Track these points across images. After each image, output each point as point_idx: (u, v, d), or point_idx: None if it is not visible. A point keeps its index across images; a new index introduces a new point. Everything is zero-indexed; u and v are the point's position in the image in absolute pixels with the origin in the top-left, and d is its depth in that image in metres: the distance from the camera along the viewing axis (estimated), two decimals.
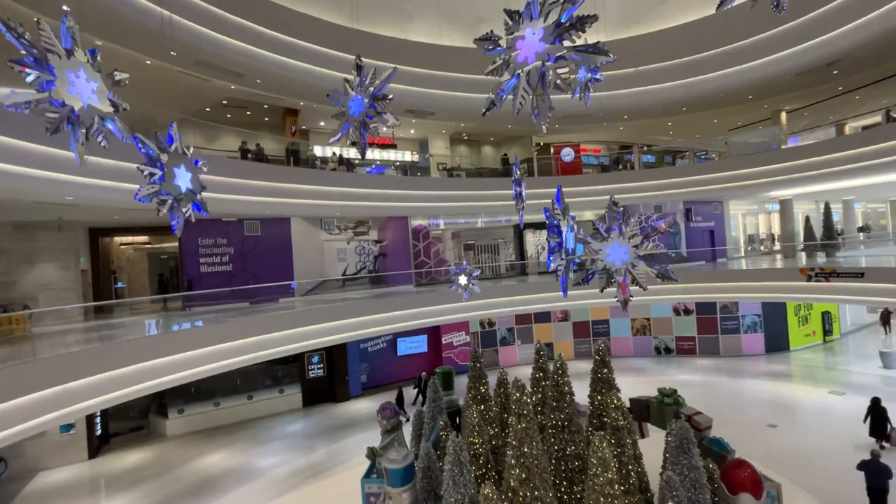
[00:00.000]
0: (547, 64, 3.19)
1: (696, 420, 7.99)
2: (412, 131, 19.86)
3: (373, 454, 8.91)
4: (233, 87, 13.91)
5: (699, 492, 6.42)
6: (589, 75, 4.05)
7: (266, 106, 16.36)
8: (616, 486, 6.19)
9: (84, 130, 2.81)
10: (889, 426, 10.83)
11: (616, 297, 5.45)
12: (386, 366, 18.95)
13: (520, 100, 3.34)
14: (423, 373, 15.68)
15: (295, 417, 16.05)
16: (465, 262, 11.15)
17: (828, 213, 19.29)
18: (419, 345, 19.60)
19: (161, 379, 8.93)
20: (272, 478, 11.56)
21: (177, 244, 18.65)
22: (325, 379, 17.37)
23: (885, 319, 21.03)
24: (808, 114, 20.94)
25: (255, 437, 14.31)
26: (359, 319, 13.55)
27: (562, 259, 5.98)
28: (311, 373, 17.17)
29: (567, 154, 21.95)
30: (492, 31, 3.07)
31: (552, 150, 22.04)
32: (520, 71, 3.27)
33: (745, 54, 15.28)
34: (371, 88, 4.15)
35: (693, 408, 8.59)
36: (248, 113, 16.87)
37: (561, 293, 5.96)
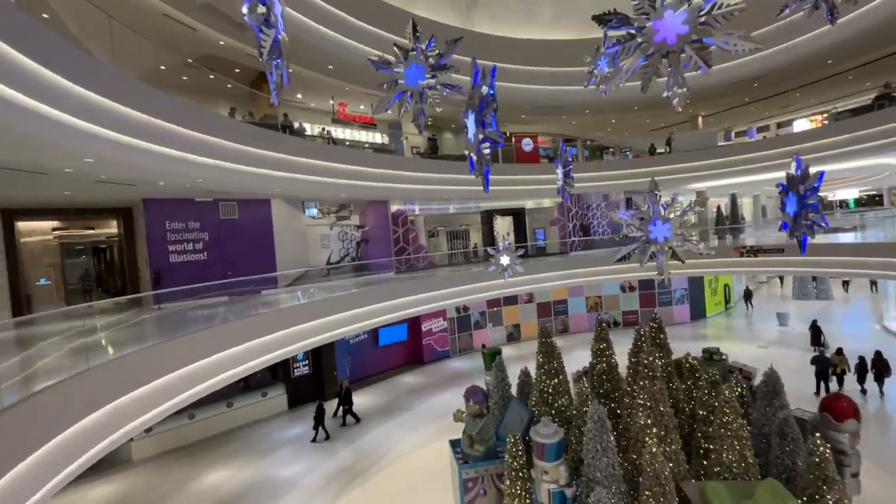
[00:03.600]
0: (687, 46, 3.32)
1: (746, 371, 9.33)
2: (388, 112, 18.91)
3: (471, 441, 8.59)
4: (221, 42, 11.84)
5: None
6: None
7: (237, 70, 14.19)
8: (745, 429, 7.04)
9: None
10: (822, 337, 16.71)
11: (656, 272, 6.23)
12: (368, 357, 18.03)
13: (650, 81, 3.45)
14: (345, 381, 14.67)
15: (284, 421, 14.44)
16: (505, 242, 11.25)
17: (734, 203, 23.44)
18: (400, 333, 19.00)
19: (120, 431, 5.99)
20: (309, 487, 10.38)
21: (92, 232, 15.40)
22: (312, 377, 15.90)
23: (747, 296, 25.86)
24: (713, 119, 25.13)
25: (252, 449, 12.58)
26: (359, 311, 12.55)
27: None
28: (295, 371, 15.56)
29: (527, 144, 23.07)
30: (615, 10, 3.18)
31: (513, 139, 22.96)
32: (653, 51, 3.33)
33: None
34: (430, 59, 3.68)
35: (737, 361, 9.99)
36: (212, 77, 14.40)
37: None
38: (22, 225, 12.81)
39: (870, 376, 13.07)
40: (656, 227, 6.76)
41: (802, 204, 4.58)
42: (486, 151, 3.86)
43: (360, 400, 15.83)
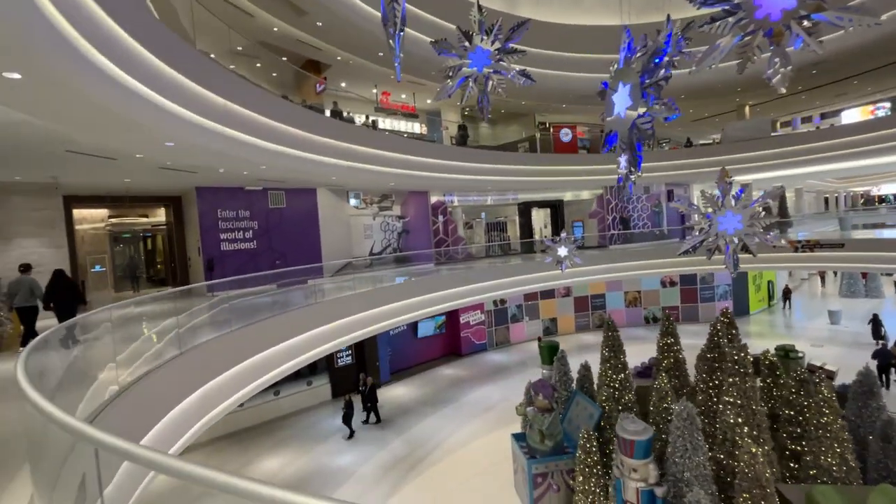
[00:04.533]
0: (794, 22, 2.93)
1: (827, 370, 8.86)
2: (428, 101, 18.67)
3: (542, 436, 8.37)
4: (275, 28, 11.72)
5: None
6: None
7: (284, 59, 14.09)
8: (846, 431, 6.63)
9: None
10: (883, 329, 16.33)
11: (724, 264, 5.77)
12: (407, 349, 17.93)
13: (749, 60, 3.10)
14: (365, 376, 13.69)
15: (329, 411, 14.42)
16: (563, 233, 10.93)
17: (782, 196, 22.52)
18: (439, 326, 18.86)
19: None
20: (365, 477, 10.32)
21: (146, 220, 15.58)
22: (354, 367, 15.87)
23: (786, 295, 24.81)
24: (760, 109, 24.15)
25: (303, 436, 12.61)
26: (410, 301, 12.43)
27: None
28: (339, 361, 15.56)
29: (566, 134, 22.58)
30: None
31: (552, 128, 22.47)
32: (753, 28, 2.96)
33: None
34: (496, 43, 3.66)
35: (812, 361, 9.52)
36: (259, 65, 14.37)
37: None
38: (77, 212, 13.00)
39: None
40: (727, 219, 6.36)
41: None
42: (646, 126, 3.56)
43: (402, 391, 15.78)
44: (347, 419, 12.55)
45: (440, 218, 18.57)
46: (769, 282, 24.87)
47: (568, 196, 22.75)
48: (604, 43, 16.77)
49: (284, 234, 13.93)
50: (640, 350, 16.71)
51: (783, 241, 4.88)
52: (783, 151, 17.58)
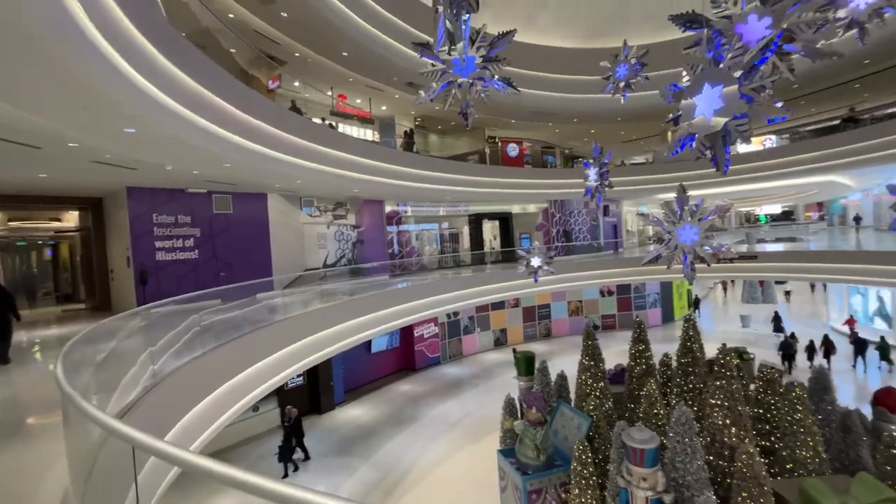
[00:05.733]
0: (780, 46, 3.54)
1: (777, 368, 9.75)
2: (384, 108, 18.14)
3: (538, 450, 8.12)
4: (231, 15, 10.58)
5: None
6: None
7: (233, 51, 12.83)
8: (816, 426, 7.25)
9: None
10: (782, 325, 19.67)
11: (682, 272, 6.49)
12: (361, 366, 16.95)
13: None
14: (290, 407, 11.77)
15: (280, 439, 13.05)
16: (535, 244, 11.06)
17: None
18: (393, 340, 18.12)
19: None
20: None
21: (59, 224, 13.20)
22: (305, 388, 14.60)
23: (696, 304, 27.79)
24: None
25: (256, 469, 11.15)
26: (372, 316, 11.56)
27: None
28: (289, 383, 14.18)
29: (513, 149, 23.25)
30: (693, 11, 3.43)
31: (500, 143, 23.03)
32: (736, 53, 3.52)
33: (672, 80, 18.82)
34: (480, 50, 3.65)
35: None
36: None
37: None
38: None
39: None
40: (685, 231, 6.80)
41: None
42: (742, 128, 3.50)
43: (359, 411, 14.81)
44: (285, 454, 10.88)
45: (395, 228, 18.01)
46: (688, 290, 27.49)
47: (516, 209, 23.34)
48: (557, 63, 17.60)
49: (231, 243, 12.50)
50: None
51: (733, 252, 5.37)
52: (703, 173, 19.59)
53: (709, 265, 6.68)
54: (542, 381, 10.05)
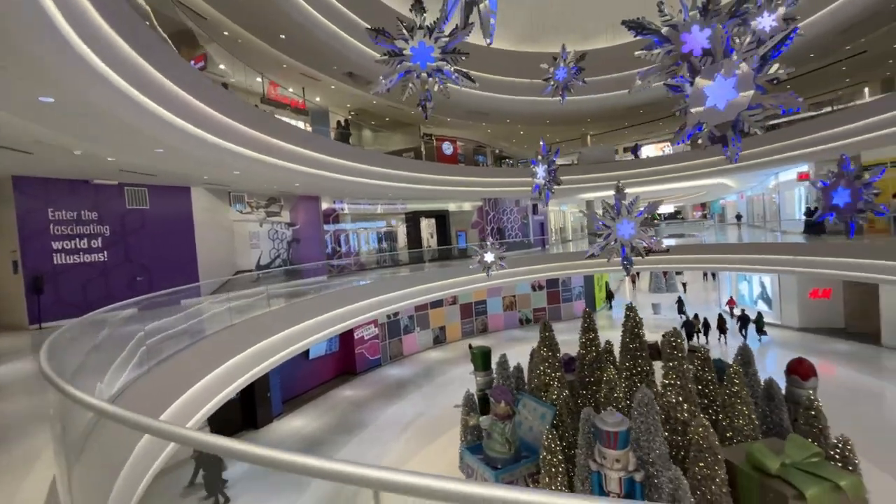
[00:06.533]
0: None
1: (705, 348, 10.87)
2: (318, 98, 17.12)
3: (509, 443, 8.12)
4: None
5: None
6: None
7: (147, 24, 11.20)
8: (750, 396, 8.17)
9: None
10: (685, 307, 22.23)
11: (622, 264, 7.38)
12: (298, 373, 15.84)
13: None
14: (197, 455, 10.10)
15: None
16: (489, 241, 11.19)
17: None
18: (332, 343, 17.20)
19: None
20: None
21: None
22: (238, 402, 13.25)
23: (609, 296, 30.51)
24: (597, 139, 28.99)
25: (193, 494, 9.90)
26: (313, 321, 10.70)
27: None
28: None
29: (447, 147, 23.35)
30: (644, 18, 4.06)
31: (434, 140, 23.01)
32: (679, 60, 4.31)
33: (596, 87, 20.24)
34: (438, 41, 3.55)
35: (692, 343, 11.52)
36: None
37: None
38: None
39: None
40: (623, 226, 7.46)
41: (858, 196, 5.55)
42: (756, 119, 3.67)
43: (301, 422, 13.83)
44: (212, 485, 9.52)
45: (332, 226, 17.12)
46: (606, 283, 29.79)
47: (452, 207, 23.47)
48: (492, 63, 17.95)
49: (148, 243, 10.92)
50: (521, 349, 18.14)
51: (663, 245, 5.96)
52: (619, 174, 21.37)
53: (643, 256, 7.18)
54: (502, 374, 10.15)
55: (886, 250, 12.00)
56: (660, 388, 8.54)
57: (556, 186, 7.56)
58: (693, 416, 7.79)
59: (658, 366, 10.09)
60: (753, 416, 8.07)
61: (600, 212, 6.74)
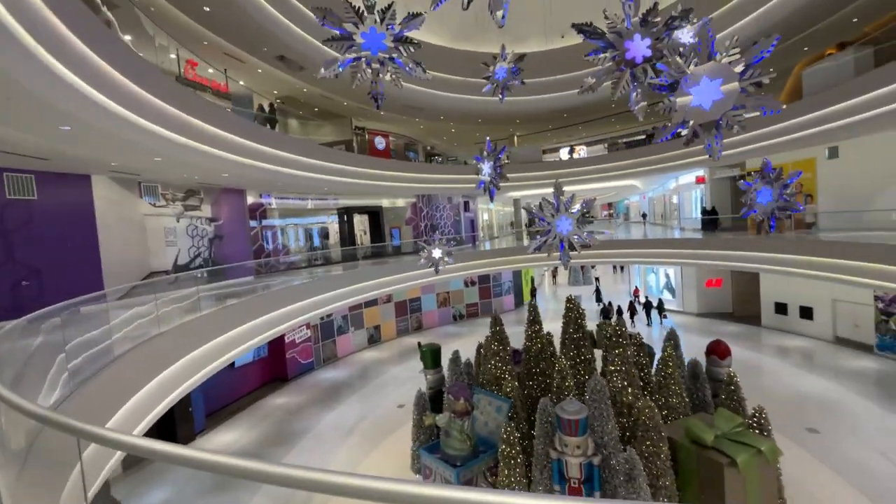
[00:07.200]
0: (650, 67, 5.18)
1: (638, 335, 11.80)
2: (241, 82, 15.64)
3: (469, 439, 8.05)
4: None
5: None
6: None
7: None
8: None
9: None
10: (602, 294, 24.49)
11: (559, 259, 8.24)
12: (223, 384, 14.40)
13: (621, 89, 5.14)
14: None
15: (128, 484, 10.25)
16: (435, 235, 11.13)
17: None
18: (259, 349, 15.91)
19: None
20: None
21: None
22: (157, 421, 11.66)
23: (532, 291, 32.53)
24: (523, 139, 30.22)
25: None
26: (244, 328, 9.77)
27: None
28: None
29: (380, 142, 22.83)
30: (591, 23, 4.68)
31: (367, 134, 22.37)
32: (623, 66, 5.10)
33: (527, 89, 21.10)
34: (390, 27, 3.45)
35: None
36: None
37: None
38: None
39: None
40: (561, 222, 8.09)
41: (780, 196, 6.36)
42: (738, 119, 3.92)
43: (231, 437, 12.63)
44: None
45: (259, 222, 15.84)
46: (532, 278, 31.26)
47: (386, 203, 22.97)
48: (428, 58, 17.79)
49: (37, 241, 9.15)
50: (457, 344, 18.40)
51: (598, 240, 6.52)
52: (541, 174, 22.55)
53: (579, 251, 7.61)
54: (455, 370, 10.12)
55: (766, 244, 14.03)
56: (602, 374, 9.10)
57: (502, 183, 7.66)
58: (637, 398, 8.40)
59: (598, 353, 10.80)
60: (685, 395, 8.93)
61: (532, 210, 6.98)
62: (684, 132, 4.15)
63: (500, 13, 3.43)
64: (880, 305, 15.15)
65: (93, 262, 10.20)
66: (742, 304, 21.39)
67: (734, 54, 3.78)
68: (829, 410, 11.69)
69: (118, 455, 4.24)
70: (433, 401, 10.67)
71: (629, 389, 8.47)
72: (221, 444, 12.18)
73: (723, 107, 3.97)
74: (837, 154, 15.58)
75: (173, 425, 11.87)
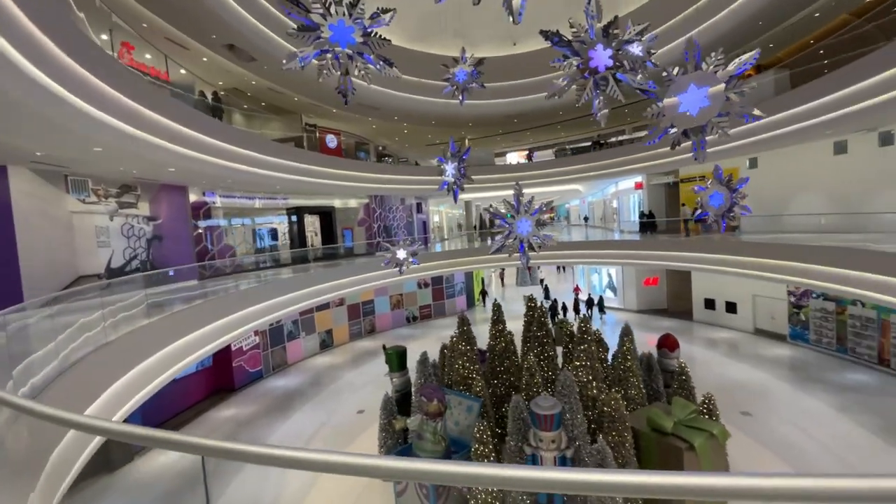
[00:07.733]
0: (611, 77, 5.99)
1: (596, 332, 12.37)
2: (182, 71, 14.48)
3: (444, 440, 7.97)
4: None
5: None
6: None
7: None
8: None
9: None
10: (550, 292, 24.97)
11: (519, 260, 8.85)
12: (163, 397, 13.15)
13: (584, 96, 5.88)
14: None
15: None
16: (398, 236, 11.04)
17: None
18: (203, 359, 14.76)
19: None
20: None
21: None
22: None
23: (483, 294, 33.29)
24: (473, 143, 30.69)
25: None
26: (187, 339, 9.10)
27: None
28: None
29: (331, 140, 22.16)
30: (558, 31, 5.37)
31: (317, 132, 21.63)
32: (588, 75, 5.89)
33: (482, 93, 21.50)
34: (358, 22, 3.27)
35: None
36: None
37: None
38: None
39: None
40: (521, 224, 8.59)
41: (731, 200, 6.97)
42: (724, 125, 4.22)
43: (176, 454, 11.58)
44: None
45: (203, 222, 14.75)
46: (482, 279, 31.79)
47: (338, 203, 22.31)
48: (393, 58, 17.55)
49: None
50: (413, 346, 18.31)
51: (555, 241, 6.94)
52: (501, 177, 23.11)
53: (538, 251, 7.96)
54: (423, 371, 10.03)
55: (696, 245, 15.35)
56: (567, 369, 9.46)
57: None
58: (601, 391, 8.81)
59: (559, 350, 11.20)
60: (642, 386, 9.49)
61: (493, 211, 7.18)
62: (660, 137, 4.38)
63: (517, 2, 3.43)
64: (792, 300, 17.08)
65: (9, 264, 8.95)
66: (676, 300, 23.18)
67: (720, 64, 4.05)
68: (757, 394, 12.97)
69: None
70: (400, 404, 10.49)
71: (594, 383, 8.86)
72: (164, 463, 11.16)
73: (709, 113, 4.27)
74: (757, 164, 17.38)
75: (106, 445, 10.67)
